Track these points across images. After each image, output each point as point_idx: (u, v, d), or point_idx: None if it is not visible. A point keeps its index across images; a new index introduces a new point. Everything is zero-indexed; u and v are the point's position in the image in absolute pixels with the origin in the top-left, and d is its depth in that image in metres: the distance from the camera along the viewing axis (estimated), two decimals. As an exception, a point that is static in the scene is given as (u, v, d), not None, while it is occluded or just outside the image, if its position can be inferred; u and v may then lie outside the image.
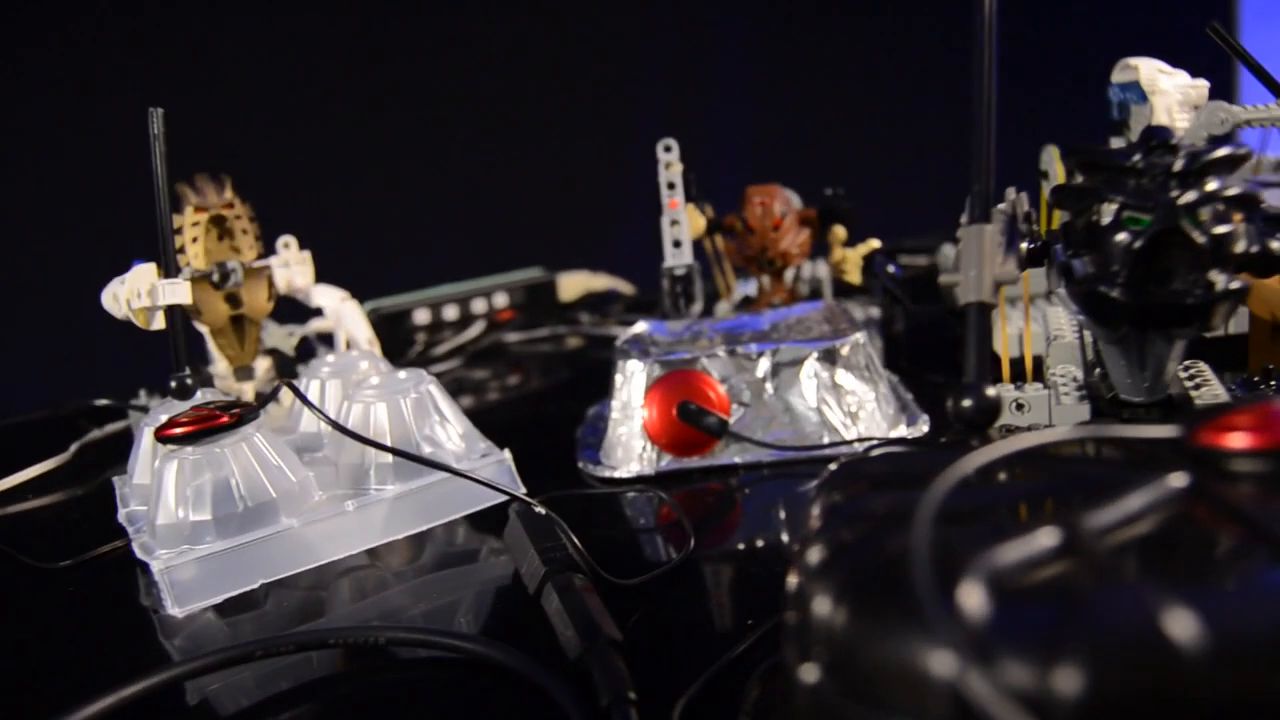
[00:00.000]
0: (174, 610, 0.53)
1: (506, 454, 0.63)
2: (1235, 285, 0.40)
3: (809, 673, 0.25)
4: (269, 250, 0.81)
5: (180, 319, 0.67)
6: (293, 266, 0.82)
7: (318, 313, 0.85)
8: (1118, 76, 0.86)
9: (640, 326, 0.77)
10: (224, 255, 0.77)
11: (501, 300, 1.11)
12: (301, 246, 0.83)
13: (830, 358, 0.66)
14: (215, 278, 0.76)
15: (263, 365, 0.82)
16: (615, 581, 0.50)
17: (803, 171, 0.92)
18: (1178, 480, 0.28)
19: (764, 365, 0.66)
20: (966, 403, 0.34)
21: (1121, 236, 0.40)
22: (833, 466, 0.36)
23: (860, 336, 0.68)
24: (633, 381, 0.67)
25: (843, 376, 0.66)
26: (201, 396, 0.66)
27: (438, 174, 1.54)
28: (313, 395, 0.69)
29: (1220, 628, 0.21)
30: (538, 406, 0.93)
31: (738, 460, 0.65)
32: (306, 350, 0.94)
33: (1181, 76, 0.83)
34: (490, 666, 0.46)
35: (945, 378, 0.81)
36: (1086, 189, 0.41)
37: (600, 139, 1.58)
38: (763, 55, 1.79)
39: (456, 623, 0.55)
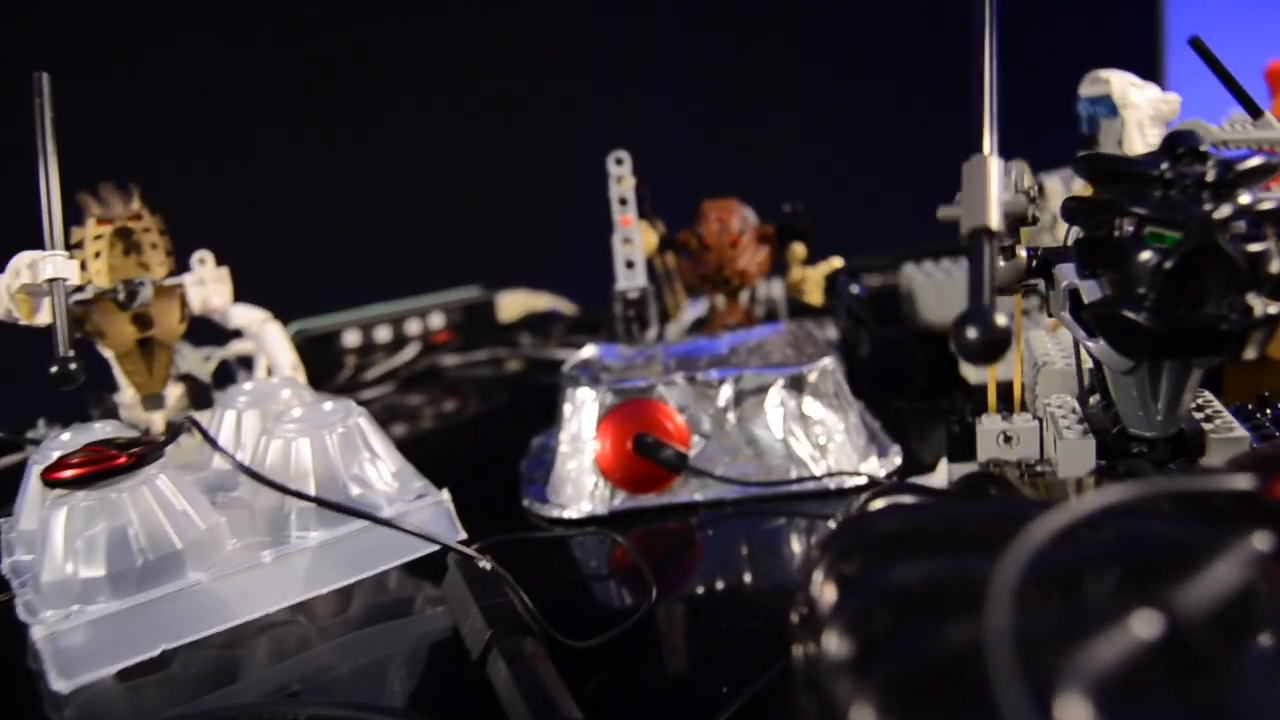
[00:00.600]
0: (58, 685, 0.46)
1: (445, 495, 0.57)
2: (1274, 309, 0.35)
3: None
4: (182, 267, 0.74)
5: (65, 297, 0.59)
6: (209, 284, 0.75)
7: (237, 334, 0.78)
8: (1087, 90, 0.82)
9: (589, 350, 0.71)
10: (131, 272, 0.70)
11: (437, 321, 1.04)
12: (219, 263, 0.76)
13: (797, 385, 0.61)
14: (121, 296, 0.69)
15: (175, 393, 0.75)
16: (569, 644, 0.45)
17: (758, 187, 0.87)
18: (1265, 542, 0.23)
19: (726, 393, 0.61)
20: (972, 333, 0.29)
21: (1147, 255, 0.35)
22: (833, 524, 0.31)
23: (829, 362, 0.63)
24: (583, 411, 0.61)
25: (810, 405, 0.61)
26: (102, 430, 0.59)
27: (370, 186, 1.46)
28: (228, 428, 0.62)
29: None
30: (477, 436, 0.87)
31: (698, 497, 0.60)
32: (226, 375, 0.86)
33: (1153, 90, 0.80)
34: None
35: (910, 403, 0.77)
36: (1104, 201, 0.37)
37: (542, 151, 1.52)
38: (715, 65, 1.75)
39: (388, 689, 0.49)
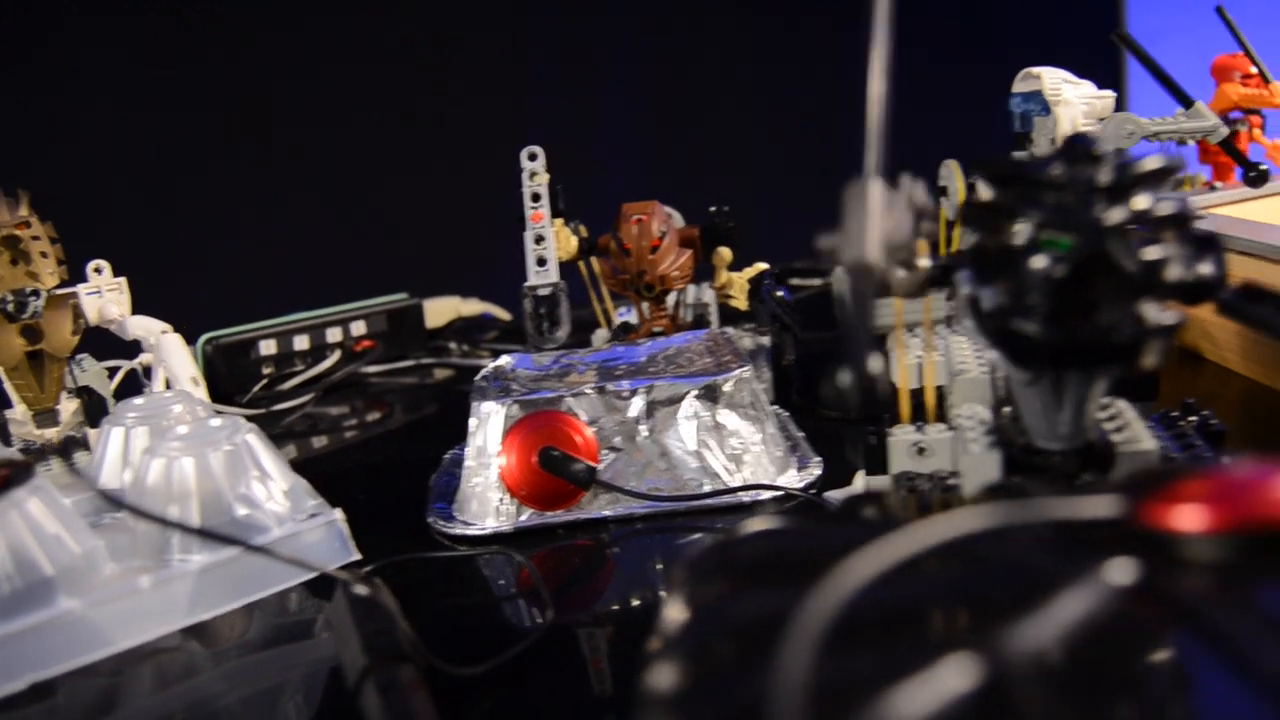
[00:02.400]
0: (-93, 722, 0.43)
1: (338, 514, 0.55)
2: (1169, 319, 0.34)
3: None
4: (77, 277, 0.71)
5: None
6: (105, 294, 0.72)
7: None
8: (1020, 86, 0.81)
9: (503, 360, 0.69)
10: (19, 282, 0.67)
11: (360, 328, 1.01)
12: (117, 272, 0.73)
13: (711, 395, 0.59)
14: (9, 307, 0.66)
15: (69, 407, 0.71)
16: (452, 673, 0.42)
17: (696, 189, 0.85)
18: (1121, 573, 0.21)
19: (637, 405, 0.59)
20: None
21: (1039, 262, 0.33)
22: (708, 542, 0.29)
23: (745, 371, 0.61)
24: (488, 424, 0.59)
25: (725, 416, 0.59)
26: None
27: (288, 189, 1.41)
28: (116, 445, 0.59)
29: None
30: (395, 448, 0.84)
31: (607, 513, 0.58)
32: (135, 388, 0.83)
33: (1087, 86, 0.79)
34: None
35: (841, 413, 0.75)
36: (998, 205, 0.35)
37: (473, 152, 1.49)
38: (652, 70, 1.73)
39: (276, 718, 0.46)
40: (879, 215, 0.31)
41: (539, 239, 0.67)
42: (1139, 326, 0.33)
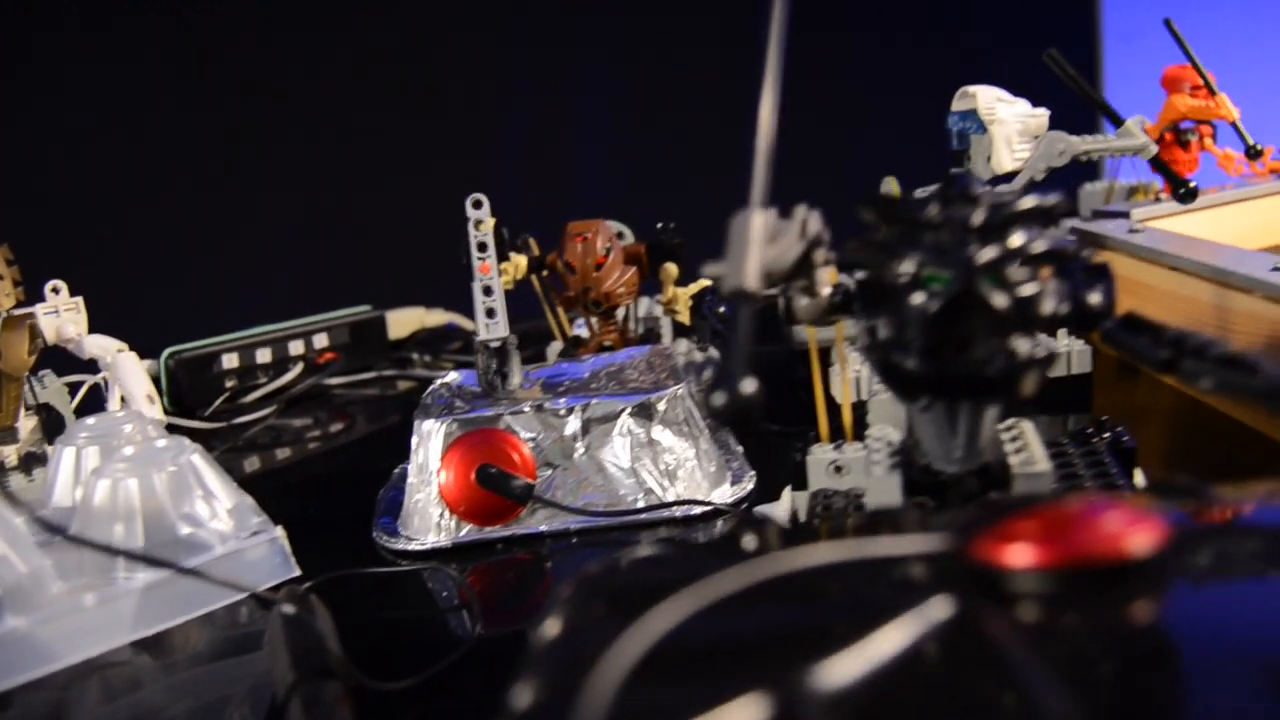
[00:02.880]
0: None
1: (279, 531, 0.56)
2: (1041, 353, 0.36)
3: None
4: (35, 297, 0.73)
5: None
6: (62, 314, 0.73)
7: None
8: (957, 105, 0.83)
9: (450, 376, 0.71)
10: (-24, 303, 0.69)
11: (322, 341, 1.03)
12: (81, 289, 0.75)
13: (645, 413, 0.61)
14: (-35, 328, 0.68)
15: (29, 425, 0.73)
16: (377, 687, 0.44)
17: (668, 198, 0.87)
18: (939, 611, 0.23)
19: (573, 423, 0.61)
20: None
21: (918, 298, 0.35)
22: (592, 566, 0.31)
23: (680, 389, 0.63)
24: (429, 442, 0.61)
25: (659, 432, 0.61)
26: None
27: (251, 204, 1.43)
28: (68, 464, 0.61)
29: None
30: (351, 461, 0.86)
31: (544, 528, 0.60)
32: (99, 404, 0.85)
33: (1022, 105, 0.81)
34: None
35: (784, 425, 0.77)
36: (882, 243, 0.37)
37: (439, 163, 1.51)
38: (620, 79, 1.74)
39: None
40: (759, 245, 0.33)
41: (487, 290, 0.68)
42: (1011, 361, 0.35)
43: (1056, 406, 0.72)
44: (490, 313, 0.68)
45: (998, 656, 0.23)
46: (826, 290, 0.43)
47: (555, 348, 0.88)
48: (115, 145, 1.37)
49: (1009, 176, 0.78)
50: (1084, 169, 0.98)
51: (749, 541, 0.32)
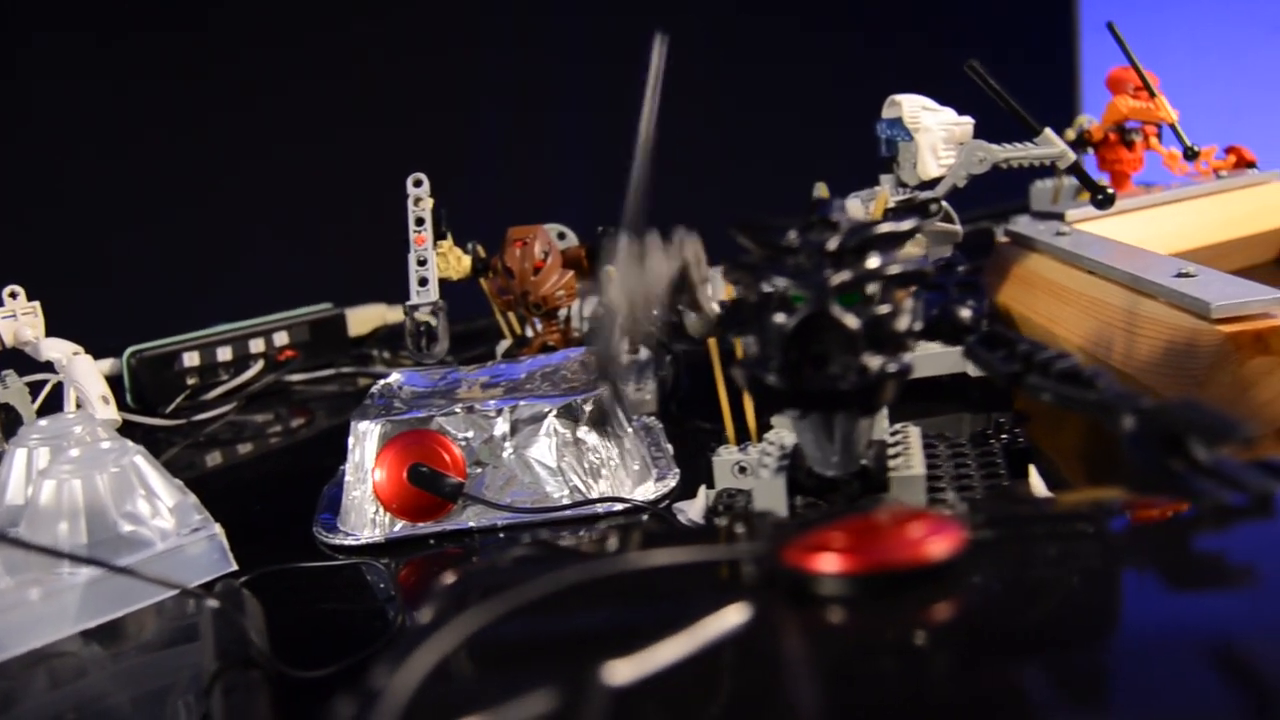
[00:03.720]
0: None
1: (217, 528, 0.59)
2: (893, 367, 0.39)
3: None
4: (-6, 301, 0.75)
5: None
6: (20, 318, 0.76)
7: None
8: (886, 112, 0.86)
9: (393, 377, 0.74)
10: (-66, 308, 0.71)
11: (282, 339, 1.06)
12: (41, 289, 0.77)
13: (571, 414, 0.64)
14: (-76, 332, 0.70)
15: (-13, 424, 0.76)
16: (296, 676, 0.47)
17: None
18: (738, 615, 0.26)
19: (502, 424, 0.64)
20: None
21: (779, 318, 0.38)
22: (465, 568, 0.34)
23: (605, 391, 0.66)
24: (365, 442, 0.64)
25: (584, 433, 0.64)
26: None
27: (214, 202, 1.44)
28: (19, 465, 0.64)
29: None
30: (304, 457, 0.89)
31: (473, 524, 0.63)
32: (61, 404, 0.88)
33: (947, 113, 0.84)
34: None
35: (713, 424, 0.80)
36: (750, 264, 0.40)
37: (402, 164, 1.53)
38: (596, 84, 1.76)
39: (168, 711, 0.51)
40: (626, 269, 0.36)
41: (421, 261, 0.71)
42: (863, 376, 0.38)
43: (981, 405, 0.75)
44: (423, 281, 0.72)
45: (789, 654, 0.26)
46: (715, 306, 0.46)
47: (504, 345, 0.91)
48: (75, 147, 1.38)
49: (936, 183, 0.81)
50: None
51: (608, 544, 0.35)
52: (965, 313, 0.44)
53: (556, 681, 0.23)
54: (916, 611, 0.28)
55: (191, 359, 1.00)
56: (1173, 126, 1.16)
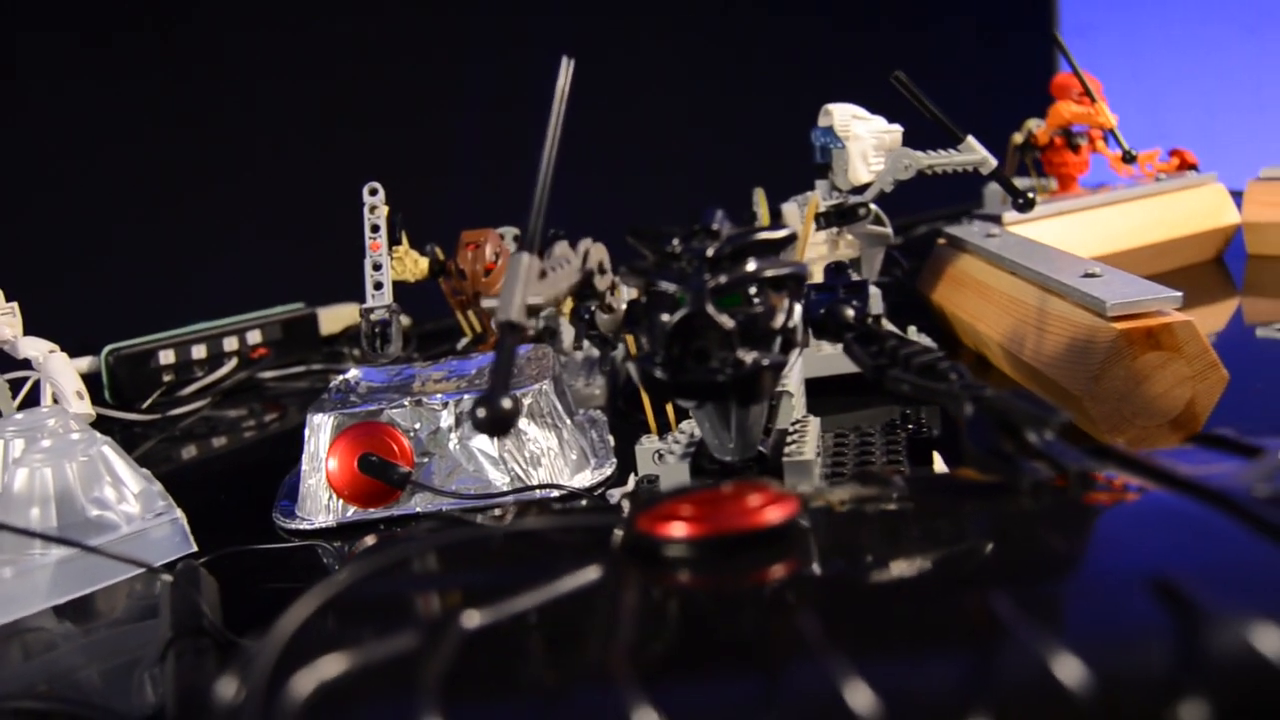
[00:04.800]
0: None
1: (179, 513, 0.64)
2: (767, 361, 0.43)
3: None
4: (-28, 303, 0.80)
5: None
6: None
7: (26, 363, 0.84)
8: (821, 121, 0.91)
9: (351, 373, 0.78)
10: (-84, 309, 0.76)
11: (255, 337, 1.10)
12: (20, 289, 0.82)
13: (472, 405, 0.69)
14: (-94, 332, 0.75)
15: (-32, 419, 0.80)
16: (244, 643, 0.52)
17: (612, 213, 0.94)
18: (587, 573, 0.31)
19: (447, 416, 0.68)
20: (480, 412, 0.36)
21: (664, 317, 0.43)
22: (376, 541, 0.38)
23: (545, 385, 0.70)
24: (320, 433, 0.68)
25: (524, 424, 0.69)
26: None
27: (190, 203, 1.48)
28: (-4, 455, 0.68)
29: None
30: (271, 450, 0.93)
31: (419, 509, 0.67)
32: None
33: (877, 122, 0.89)
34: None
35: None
36: (642, 268, 0.45)
37: (375, 168, 1.58)
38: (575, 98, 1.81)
39: (132, 685, 0.55)
40: (524, 283, 0.41)
41: (376, 266, 0.76)
42: (738, 369, 0.43)
43: (908, 398, 0.80)
44: (378, 285, 0.77)
45: (626, 605, 0.31)
46: (623, 306, 0.51)
47: (464, 342, 0.95)
48: (53, 148, 1.42)
49: (867, 187, 0.86)
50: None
51: (504, 518, 0.39)
52: (849, 312, 0.49)
53: (417, 626, 0.28)
54: (746, 568, 0.32)
55: (167, 356, 1.05)
56: (1112, 131, 1.20)
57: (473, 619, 0.28)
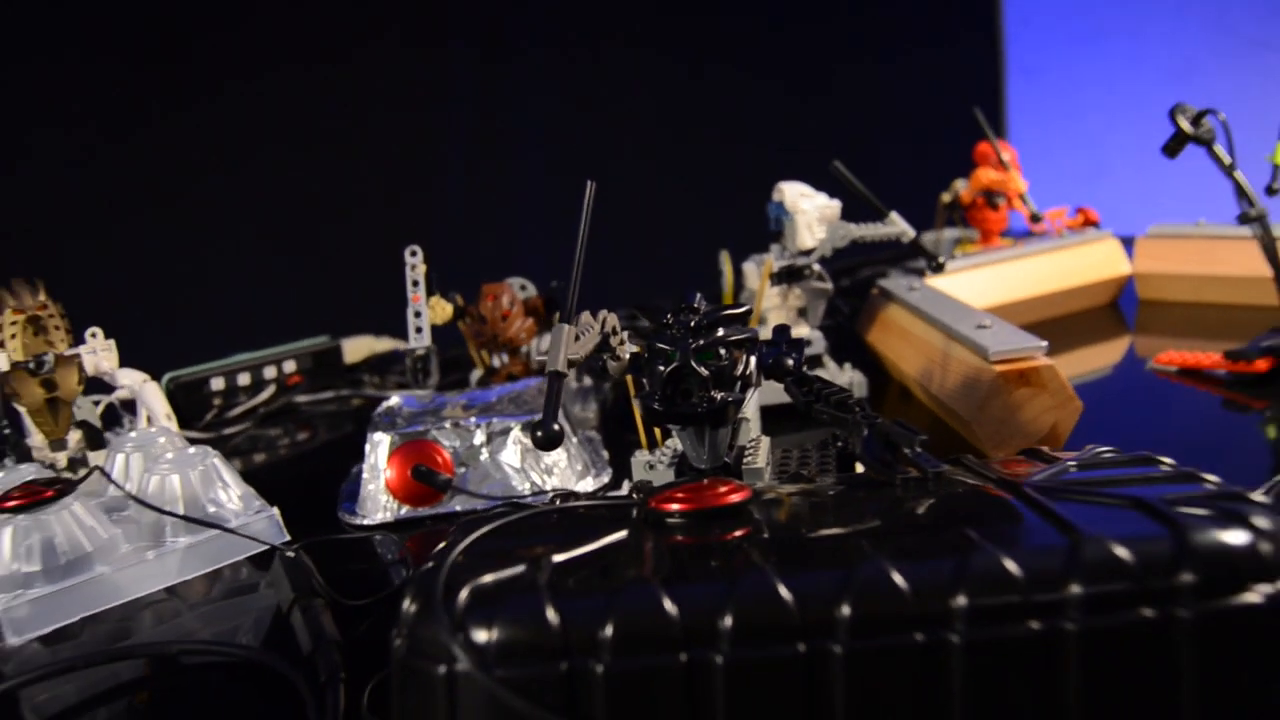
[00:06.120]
0: (11, 640, 0.70)
1: (274, 511, 0.82)
2: (730, 398, 0.63)
3: (398, 639, 0.46)
4: (79, 339, 0.97)
5: (1, 381, 0.83)
6: (99, 353, 0.98)
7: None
8: (775, 196, 1.11)
9: (393, 400, 0.97)
10: (40, 348, 0.93)
11: (290, 366, 1.28)
12: (107, 335, 0.99)
13: (529, 427, 0.87)
14: (32, 366, 0.92)
15: (74, 437, 0.98)
16: (345, 603, 0.70)
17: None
18: (616, 535, 0.50)
19: (480, 435, 0.87)
20: (538, 434, 0.56)
21: (660, 367, 0.62)
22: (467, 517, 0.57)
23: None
24: (379, 449, 0.87)
25: (540, 442, 0.88)
26: (27, 471, 0.83)
27: (233, 251, 1.68)
28: (118, 467, 0.86)
29: (617, 610, 0.43)
30: (318, 463, 1.11)
31: (459, 509, 0.86)
32: (112, 416, 1.09)
33: (820, 198, 1.09)
34: (248, 666, 0.65)
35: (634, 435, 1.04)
36: (644, 332, 0.64)
37: (384, 215, 1.77)
38: (567, 127, 2.01)
39: (237, 637, 0.73)
40: (565, 345, 0.60)
41: (417, 313, 0.95)
42: (712, 404, 0.62)
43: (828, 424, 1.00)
44: (419, 330, 0.96)
45: (656, 554, 0.50)
46: (627, 357, 0.70)
47: (476, 374, 1.14)
48: (127, 213, 1.60)
49: (811, 251, 1.06)
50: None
51: (553, 502, 0.58)
52: (789, 361, 0.69)
53: (524, 560, 0.47)
54: (717, 529, 0.51)
55: (218, 383, 1.23)
56: (1020, 196, 1.42)
57: (558, 556, 0.47)
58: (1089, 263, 1.42)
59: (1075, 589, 0.43)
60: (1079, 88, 2.96)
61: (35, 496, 0.73)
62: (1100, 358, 1.28)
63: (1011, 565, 0.43)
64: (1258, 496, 0.48)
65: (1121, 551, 0.44)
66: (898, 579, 0.43)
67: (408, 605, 0.46)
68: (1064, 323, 1.37)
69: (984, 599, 0.43)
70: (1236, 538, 0.45)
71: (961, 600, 0.42)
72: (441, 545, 0.52)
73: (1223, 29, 2.68)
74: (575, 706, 0.42)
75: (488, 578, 0.45)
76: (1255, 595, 0.43)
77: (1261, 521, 0.45)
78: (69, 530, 0.74)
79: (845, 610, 0.42)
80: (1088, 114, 2.93)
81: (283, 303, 1.64)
